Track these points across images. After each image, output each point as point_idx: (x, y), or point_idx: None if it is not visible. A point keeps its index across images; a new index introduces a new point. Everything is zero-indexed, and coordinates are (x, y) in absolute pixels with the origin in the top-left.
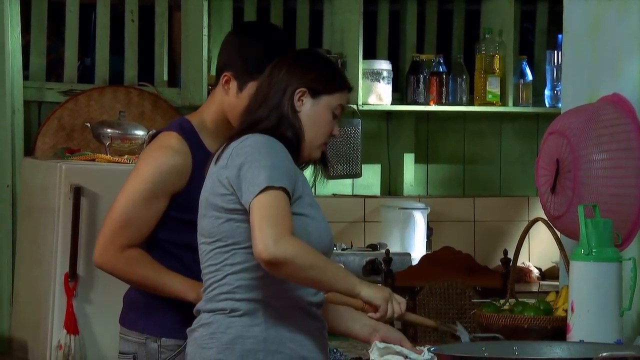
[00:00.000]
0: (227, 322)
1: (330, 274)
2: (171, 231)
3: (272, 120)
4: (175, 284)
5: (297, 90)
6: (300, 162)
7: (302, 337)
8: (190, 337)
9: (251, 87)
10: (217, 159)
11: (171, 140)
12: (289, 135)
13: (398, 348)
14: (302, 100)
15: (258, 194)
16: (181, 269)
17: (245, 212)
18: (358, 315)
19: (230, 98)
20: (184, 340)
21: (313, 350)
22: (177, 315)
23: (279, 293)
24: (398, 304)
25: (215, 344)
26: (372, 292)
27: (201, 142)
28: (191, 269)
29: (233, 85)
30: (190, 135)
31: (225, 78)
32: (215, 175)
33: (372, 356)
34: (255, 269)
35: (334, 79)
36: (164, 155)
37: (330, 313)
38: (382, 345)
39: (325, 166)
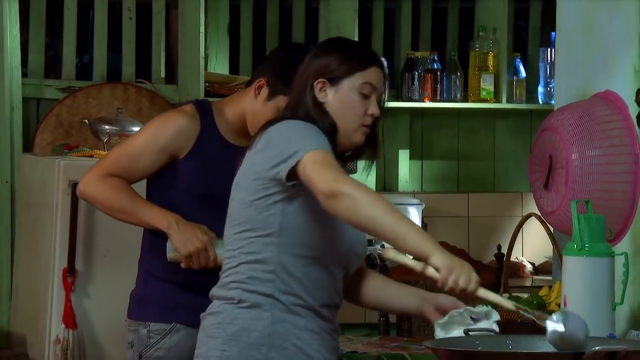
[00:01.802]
0: (234, 313)
1: (397, 222)
2: (167, 205)
3: (299, 116)
4: (149, 211)
5: (317, 82)
6: (343, 150)
7: (308, 335)
8: (201, 324)
9: (280, 100)
10: (252, 146)
11: (185, 107)
12: (320, 129)
13: (457, 312)
14: (324, 91)
15: (305, 154)
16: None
17: (268, 201)
18: (404, 290)
19: (256, 103)
20: (169, 325)
21: (319, 350)
22: (163, 302)
23: (290, 290)
24: (467, 279)
25: (220, 334)
26: (442, 257)
27: (214, 120)
28: None
29: (264, 92)
30: (205, 110)
31: (260, 83)
32: (250, 160)
33: (437, 334)
34: (269, 262)
35: (351, 60)
36: (174, 115)
37: (381, 297)
38: (442, 320)
39: (374, 147)
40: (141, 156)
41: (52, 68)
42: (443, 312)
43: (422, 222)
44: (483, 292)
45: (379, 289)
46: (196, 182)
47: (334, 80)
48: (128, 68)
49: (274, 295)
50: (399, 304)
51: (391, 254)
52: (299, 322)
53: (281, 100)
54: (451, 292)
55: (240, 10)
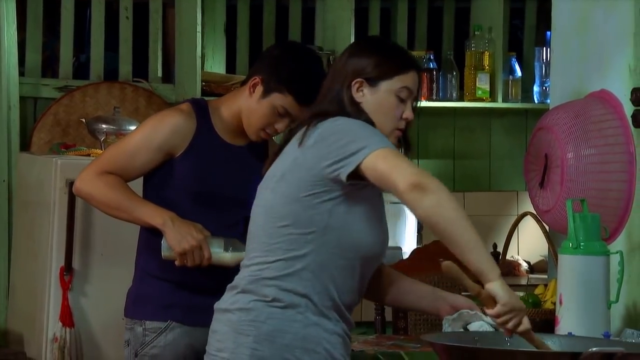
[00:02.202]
0: (268, 311)
1: (471, 233)
2: (163, 204)
3: (336, 113)
4: (144, 209)
5: (354, 82)
6: None
7: (335, 339)
8: (223, 316)
9: (274, 98)
10: (302, 141)
11: (182, 106)
12: None
13: (468, 312)
14: (362, 91)
15: (372, 152)
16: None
17: (318, 199)
18: (420, 287)
19: (251, 101)
20: (165, 323)
21: (343, 354)
22: (159, 300)
23: (324, 291)
24: (519, 323)
25: (253, 332)
26: (503, 290)
27: (210, 119)
28: None
29: (259, 90)
30: (201, 109)
31: (254, 81)
32: (299, 154)
33: (445, 329)
34: (309, 261)
35: (392, 63)
36: (170, 114)
37: (394, 289)
38: (452, 316)
39: (408, 149)
40: (137, 154)
41: (49, 67)
42: (456, 310)
43: (418, 220)
44: (530, 333)
45: (396, 286)
46: (192, 180)
47: (372, 81)
48: (125, 67)
49: (308, 296)
50: (414, 301)
51: (451, 268)
52: (328, 325)
53: (275, 98)
54: (500, 326)
55: (237, 9)
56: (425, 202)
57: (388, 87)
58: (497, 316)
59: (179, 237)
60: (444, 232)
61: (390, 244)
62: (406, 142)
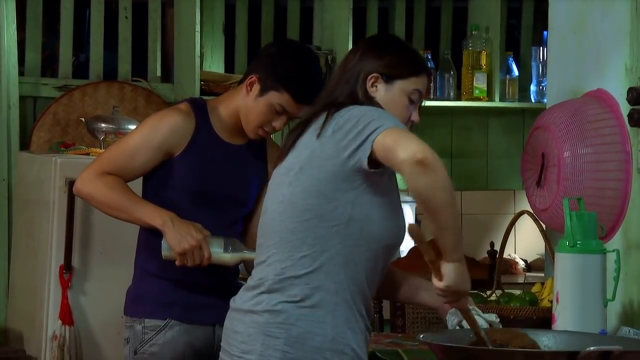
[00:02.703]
0: (297, 313)
1: (452, 223)
2: (162, 203)
3: (347, 103)
4: (145, 209)
5: (370, 76)
6: None
7: (361, 338)
8: (248, 317)
9: (272, 96)
10: (320, 133)
11: (180, 105)
12: None
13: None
14: (376, 86)
15: (383, 131)
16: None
17: (339, 191)
18: (426, 285)
19: (248, 100)
20: (164, 321)
21: (365, 352)
22: (158, 298)
23: (354, 283)
24: (465, 298)
25: (283, 335)
26: (454, 272)
27: (208, 118)
28: None
29: (256, 88)
30: (200, 108)
31: (251, 80)
32: (317, 145)
33: (450, 325)
34: (334, 255)
35: (409, 64)
36: (169, 113)
37: (402, 285)
38: (449, 312)
39: None
40: (137, 154)
41: (49, 67)
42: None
43: (416, 219)
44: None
45: (404, 282)
46: (191, 179)
47: (387, 78)
48: (124, 67)
49: (339, 292)
50: (419, 298)
51: (416, 230)
52: (355, 325)
53: (272, 96)
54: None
55: (236, 9)
56: (423, 179)
57: (402, 87)
58: (439, 290)
59: (179, 237)
60: (429, 210)
61: None
62: None
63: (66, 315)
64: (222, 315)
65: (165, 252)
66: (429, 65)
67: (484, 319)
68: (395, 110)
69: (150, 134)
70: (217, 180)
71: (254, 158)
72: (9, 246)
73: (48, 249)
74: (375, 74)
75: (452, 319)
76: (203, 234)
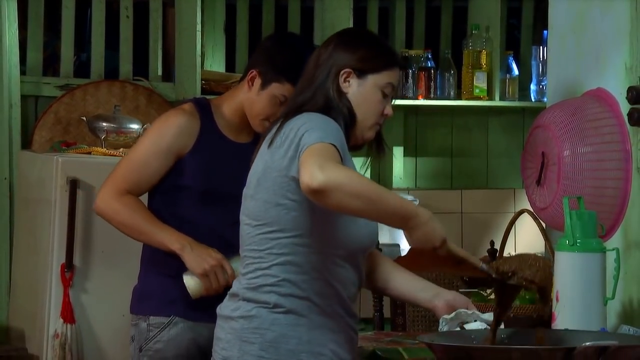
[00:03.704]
0: (271, 318)
1: (381, 199)
2: (169, 204)
3: (318, 102)
4: (163, 234)
5: (342, 71)
6: (353, 143)
7: (341, 337)
8: (226, 324)
9: (273, 88)
10: (271, 142)
11: (184, 105)
12: (338, 118)
13: (465, 312)
14: (349, 81)
15: (307, 148)
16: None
17: (297, 201)
18: (417, 281)
19: (251, 94)
20: (168, 318)
21: (348, 350)
22: (163, 296)
23: (324, 290)
24: (441, 247)
25: (258, 340)
26: (416, 236)
27: (213, 118)
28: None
29: (257, 82)
30: (204, 108)
31: (252, 74)
32: (269, 157)
33: (441, 328)
34: (302, 263)
35: (381, 57)
36: (174, 115)
37: (392, 282)
38: (449, 316)
39: (380, 147)
40: (148, 162)
41: (50, 66)
42: (453, 309)
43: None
44: (453, 248)
45: (390, 274)
46: (199, 180)
47: (360, 73)
48: (125, 66)
49: (310, 298)
50: (408, 294)
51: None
52: (333, 325)
53: (274, 88)
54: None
55: (236, 8)
56: (328, 202)
57: (375, 81)
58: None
59: (199, 260)
60: (362, 215)
61: (388, 241)
62: (380, 139)
63: (67, 314)
64: None
65: (191, 289)
66: (429, 63)
67: (483, 320)
68: (369, 105)
69: (158, 139)
70: (223, 180)
71: None
72: (11, 245)
73: (49, 247)
74: (347, 69)
75: (444, 323)
76: (220, 254)
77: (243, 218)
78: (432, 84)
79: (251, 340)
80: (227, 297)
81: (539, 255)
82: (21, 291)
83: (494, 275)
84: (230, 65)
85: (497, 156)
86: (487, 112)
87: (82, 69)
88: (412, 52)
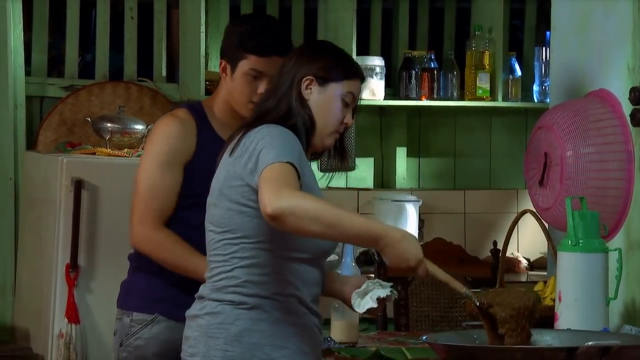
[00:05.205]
0: (235, 313)
1: (341, 222)
2: (183, 213)
3: (281, 110)
4: (203, 265)
5: (304, 79)
6: (313, 151)
7: (305, 332)
8: (193, 322)
9: (241, 66)
10: (232, 151)
11: (177, 112)
12: (299, 124)
13: (372, 282)
14: (310, 89)
15: (264, 168)
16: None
17: (258, 208)
18: (331, 276)
19: (228, 84)
20: (151, 316)
21: (314, 345)
22: (148, 293)
23: (286, 290)
24: (420, 266)
25: (222, 335)
26: (391, 254)
27: (207, 120)
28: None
29: (228, 69)
30: (197, 111)
31: (222, 65)
32: (230, 166)
33: (357, 308)
34: (264, 266)
35: (342, 67)
36: (170, 123)
37: None
38: (360, 289)
39: (343, 156)
40: (161, 183)
41: (55, 67)
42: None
43: (419, 218)
44: (433, 270)
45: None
46: (202, 185)
47: (322, 81)
48: (130, 67)
49: (272, 297)
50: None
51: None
52: (297, 321)
53: (242, 66)
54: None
55: (241, 10)
56: (286, 227)
57: (335, 89)
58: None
59: None
60: (322, 237)
61: None
62: (342, 148)
63: (72, 314)
64: None
65: None
66: (432, 64)
67: (387, 286)
68: (329, 112)
69: (160, 155)
70: None
71: None
72: (16, 245)
73: (54, 247)
74: (309, 77)
75: (356, 297)
76: None
77: (208, 225)
78: (435, 84)
79: (216, 335)
80: (195, 299)
81: (522, 292)
82: (26, 291)
83: (476, 303)
84: None
85: (500, 157)
86: (490, 112)
87: (86, 69)
88: (416, 53)
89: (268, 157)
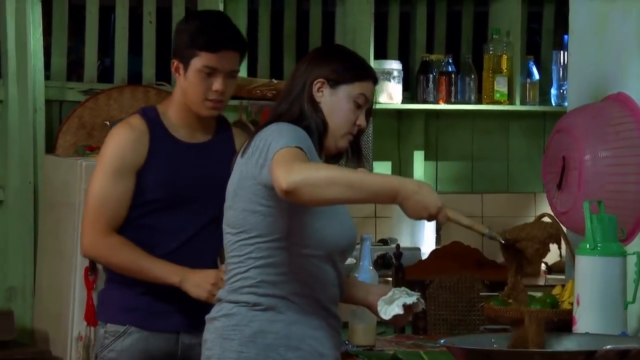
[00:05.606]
0: (250, 315)
1: (362, 183)
2: (137, 217)
3: (294, 113)
4: (159, 268)
5: (316, 81)
6: (327, 153)
7: (321, 334)
8: (211, 325)
9: (193, 64)
10: (244, 152)
11: (130, 119)
12: (311, 126)
13: (398, 290)
14: (322, 91)
15: (274, 156)
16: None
17: (271, 206)
18: (351, 282)
19: (182, 83)
20: (124, 327)
21: (330, 347)
22: (121, 304)
23: (302, 290)
24: (441, 213)
25: (237, 336)
26: (408, 206)
27: (162, 124)
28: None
29: (180, 69)
30: (151, 116)
31: (174, 65)
32: (243, 167)
33: (383, 315)
34: (279, 265)
35: (353, 69)
36: (122, 132)
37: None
38: (386, 296)
39: (360, 159)
40: (112, 191)
41: (74, 71)
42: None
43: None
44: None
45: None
46: (161, 190)
47: (333, 83)
48: (148, 71)
49: (287, 298)
50: (354, 294)
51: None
52: (313, 322)
53: (194, 63)
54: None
55: (258, 14)
56: (302, 198)
57: (347, 91)
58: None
59: (199, 288)
60: (341, 202)
61: (409, 244)
62: (358, 150)
63: (91, 316)
64: (185, 323)
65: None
66: (450, 67)
67: (414, 294)
68: (341, 114)
69: (111, 163)
70: (186, 183)
71: (220, 153)
72: (35, 248)
73: (73, 251)
74: (321, 79)
75: (383, 304)
76: (217, 273)
77: (225, 228)
78: (452, 88)
79: (231, 337)
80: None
81: (543, 222)
82: (45, 294)
83: (501, 241)
84: (252, 70)
85: (517, 160)
86: (507, 116)
87: (105, 74)
88: (433, 57)
89: (278, 145)
